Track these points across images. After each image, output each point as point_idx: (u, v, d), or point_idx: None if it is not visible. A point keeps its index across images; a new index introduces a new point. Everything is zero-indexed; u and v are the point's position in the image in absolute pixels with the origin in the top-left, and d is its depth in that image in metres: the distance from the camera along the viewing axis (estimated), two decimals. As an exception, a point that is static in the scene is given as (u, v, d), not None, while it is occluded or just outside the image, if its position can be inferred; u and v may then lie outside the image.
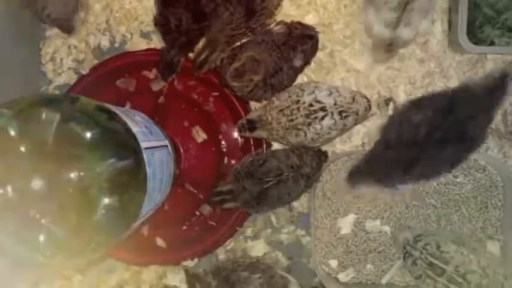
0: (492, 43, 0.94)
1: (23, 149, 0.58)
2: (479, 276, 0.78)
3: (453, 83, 0.98)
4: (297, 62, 0.90)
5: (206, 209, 0.98)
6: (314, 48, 0.93)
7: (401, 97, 0.98)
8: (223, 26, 0.88)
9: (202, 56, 0.90)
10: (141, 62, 0.98)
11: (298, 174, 0.86)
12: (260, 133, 0.91)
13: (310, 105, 0.86)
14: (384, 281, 0.95)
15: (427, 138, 0.76)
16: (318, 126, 0.86)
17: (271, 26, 0.92)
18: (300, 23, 0.92)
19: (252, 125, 0.90)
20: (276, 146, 0.97)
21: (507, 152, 0.98)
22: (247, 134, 0.92)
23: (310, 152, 0.89)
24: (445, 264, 0.80)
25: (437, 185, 0.95)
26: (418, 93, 0.98)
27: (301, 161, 0.87)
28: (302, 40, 0.90)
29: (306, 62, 0.93)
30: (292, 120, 0.86)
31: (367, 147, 0.98)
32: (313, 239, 0.96)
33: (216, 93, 0.97)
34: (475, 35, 0.94)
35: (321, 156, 0.90)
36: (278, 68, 0.88)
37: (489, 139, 0.98)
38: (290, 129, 0.87)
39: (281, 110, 0.87)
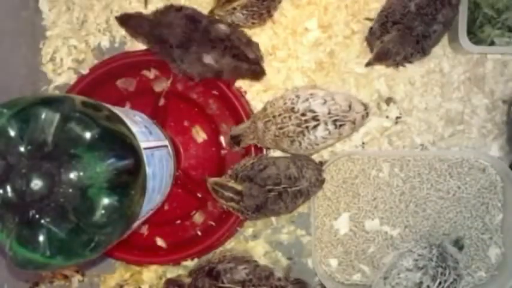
0: (492, 43, 0.94)
1: (22, 149, 0.58)
2: None
3: (453, 83, 0.98)
4: (207, 59, 0.89)
5: (199, 218, 0.98)
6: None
7: (401, 97, 0.98)
8: None
9: None
10: (141, 62, 0.98)
11: (297, 192, 0.86)
12: (248, 142, 0.91)
13: (303, 114, 0.84)
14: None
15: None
16: (312, 137, 0.85)
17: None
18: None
19: (236, 140, 0.91)
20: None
21: (507, 152, 0.98)
22: (237, 148, 0.93)
23: (310, 166, 0.88)
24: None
25: (438, 184, 0.95)
26: (418, 93, 0.98)
27: (299, 173, 0.86)
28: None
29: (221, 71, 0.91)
30: (281, 128, 0.85)
31: (367, 147, 0.98)
32: (313, 239, 0.96)
33: (215, 93, 0.97)
34: (475, 35, 0.94)
35: (321, 173, 0.90)
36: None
37: (489, 139, 0.98)
38: (280, 137, 0.86)
39: (269, 121, 0.86)
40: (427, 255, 0.84)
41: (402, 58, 0.90)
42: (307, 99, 0.86)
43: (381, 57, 0.90)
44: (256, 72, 0.93)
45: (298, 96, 0.86)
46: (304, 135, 0.85)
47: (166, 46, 0.89)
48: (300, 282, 0.91)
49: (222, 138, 0.99)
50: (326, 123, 0.85)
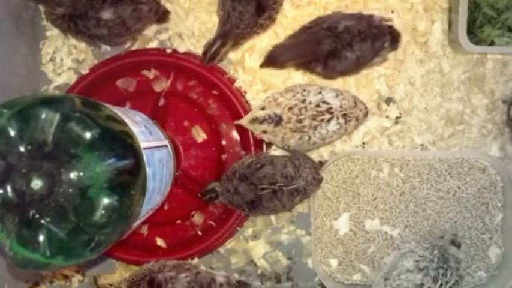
0: (492, 43, 0.94)
1: (22, 149, 0.58)
2: None
3: (453, 83, 0.98)
4: (105, 15, 0.88)
5: (199, 218, 0.99)
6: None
7: (401, 97, 0.98)
8: (238, 22, 0.88)
9: (214, 48, 0.90)
10: (141, 62, 0.98)
11: (294, 190, 0.86)
12: (275, 130, 0.87)
13: (317, 105, 0.85)
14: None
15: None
16: (323, 131, 0.86)
17: None
18: None
19: (278, 120, 0.86)
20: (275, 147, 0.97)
21: (507, 152, 0.98)
22: (267, 127, 0.86)
23: (308, 165, 0.88)
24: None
25: (438, 184, 0.95)
26: (418, 93, 0.98)
27: (296, 173, 0.86)
28: None
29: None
30: (300, 121, 0.85)
31: (367, 147, 0.98)
32: (313, 239, 0.96)
33: (215, 93, 0.97)
34: (475, 35, 0.94)
35: (318, 172, 0.90)
36: None
37: (489, 139, 0.98)
38: (297, 132, 0.86)
39: (291, 108, 0.86)
40: (428, 256, 0.84)
41: (300, 64, 0.89)
42: (319, 92, 0.86)
43: (268, 61, 0.89)
44: (160, 12, 0.94)
45: (306, 90, 0.87)
46: (316, 129, 0.85)
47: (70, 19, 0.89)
48: (242, 284, 0.90)
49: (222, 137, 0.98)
50: (338, 117, 0.86)
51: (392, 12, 0.98)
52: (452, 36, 0.94)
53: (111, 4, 0.89)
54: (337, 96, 0.87)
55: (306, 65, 0.91)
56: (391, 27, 0.90)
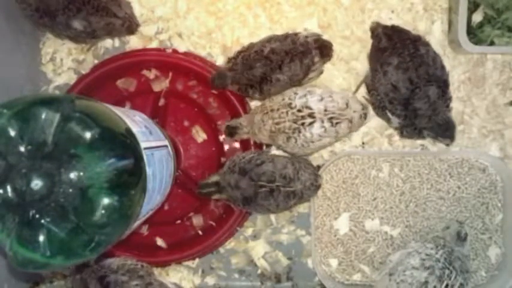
0: (492, 43, 0.94)
1: (22, 149, 0.58)
2: None
3: (453, 83, 0.98)
4: (75, 24, 0.89)
5: (198, 219, 0.99)
6: None
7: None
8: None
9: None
10: (141, 62, 0.98)
11: (291, 192, 0.86)
12: (242, 135, 0.93)
13: (299, 110, 0.85)
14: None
15: None
16: (307, 134, 0.86)
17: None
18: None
19: (231, 130, 0.92)
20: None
21: (507, 152, 0.98)
22: (230, 139, 0.95)
23: (308, 170, 0.88)
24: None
25: (438, 184, 0.95)
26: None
27: (295, 175, 0.86)
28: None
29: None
30: (278, 123, 0.86)
31: (367, 147, 0.98)
32: (313, 239, 0.96)
33: (215, 93, 0.97)
34: (475, 35, 0.94)
35: (318, 179, 0.89)
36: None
37: (489, 139, 0.98)
38: (276, 133, 0.87)
39: (266, 113, 0.87)
40: (434, 255, 0.84)
41: (238, 90, 0.91)
42: (304, 95, 0.86)
43: (217, 76, 0.90)
44: (132, 28, 0.96)
45: (296, 93, 0.87)
46: (300, 132, 0.85)
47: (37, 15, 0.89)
48: None
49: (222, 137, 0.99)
50: (322, 121, 0.85)
51: (393, 12, 0.98)
52: (452, 36, 0.94)
53: (84, 17, 0.89)
54: (321, 99, 0.86)
55: (242, 91, 0.92)
56: (317, 41, 0.90)
